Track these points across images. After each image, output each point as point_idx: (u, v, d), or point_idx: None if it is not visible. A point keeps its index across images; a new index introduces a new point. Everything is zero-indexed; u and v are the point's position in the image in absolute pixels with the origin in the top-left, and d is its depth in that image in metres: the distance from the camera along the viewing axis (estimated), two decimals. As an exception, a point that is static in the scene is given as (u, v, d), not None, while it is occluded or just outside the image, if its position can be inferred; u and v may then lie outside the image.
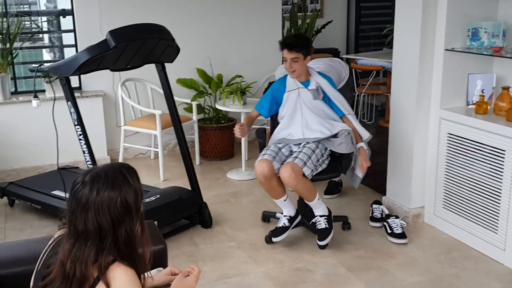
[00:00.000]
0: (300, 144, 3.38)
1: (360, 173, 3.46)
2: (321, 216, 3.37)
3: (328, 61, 4.02)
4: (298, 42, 3.34)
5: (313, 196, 3.33)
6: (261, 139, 3.63)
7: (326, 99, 3.45)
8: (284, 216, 3.42)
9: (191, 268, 1.91)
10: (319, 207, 3.38)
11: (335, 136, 3.36)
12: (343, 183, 4.23)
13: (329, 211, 3.42)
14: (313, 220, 3.40)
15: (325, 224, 3.35)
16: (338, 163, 3.47)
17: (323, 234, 3.33)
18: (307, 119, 3.41)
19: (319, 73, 3.51)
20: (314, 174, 3.27)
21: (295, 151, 3.33)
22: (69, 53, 5.09)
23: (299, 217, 3.48)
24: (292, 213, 3.43)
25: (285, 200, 3.39)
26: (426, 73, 3.47)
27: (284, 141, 3.44)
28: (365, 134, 3.47)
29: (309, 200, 3.34)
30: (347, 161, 3.46)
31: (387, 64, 5.73)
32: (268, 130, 3.71)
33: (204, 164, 5.04)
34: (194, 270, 1.89)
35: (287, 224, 3.39)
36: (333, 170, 3.47)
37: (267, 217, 3.79)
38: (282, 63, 3.52)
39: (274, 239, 3.37)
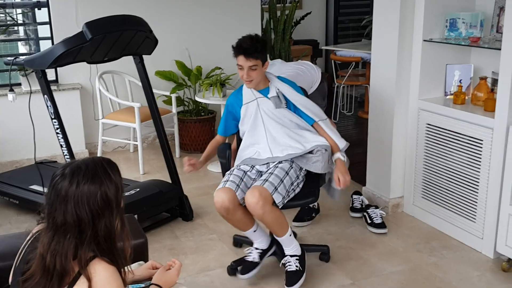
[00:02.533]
0: (268, 163, 2.91)
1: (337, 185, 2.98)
2: (292, 256, 2.87)
3: (296, 65, 3.59)
4: (257, 47, 2.79)
5: (284, 230, 2.82)
6: (223, 159, 3.05)
7: (291, 107, 2.95)
8: (256, 249, 2.94)
9: (172, 262, 1.90)
10: (290, 245, 2.88)
11: (310, 152, 2.89)
12: (320, 209, 3.74)
13: (303, 250, 2.92)
14: (283, 261, 2.89)
15: (296, 266, 2.85)
16: (315, 185, 2.95)
17: (292, 278, 2.83)
18: (272, 133, 2.91)
19: (279, 77, 3.01)
20: (286, 201, 2.78)
21: (265, 172, 2.87)
22: (45, 45, 5.00)
23: (274, 248, 2.99)
24: (265, 245, 2.95)
25: (254, 231, 2.90)
26: (405, 64, 3.49)
27: (251, 161, 2.93)
28: (342, 143, 2.98)
29: (279, 234, 2.83)
30: (323, 182, 3.02)
31: (366, 55, 5.76)
32: (233, 146, 3.16)
33: (184, 156, 5.00)
34: (176, 264, 1.89)
35: (257, 259, 2.91)
36: (308, 194, 2.91)
37: (239, 242, 3.28)
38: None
39: (241, 276, 2.90)
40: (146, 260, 2.13)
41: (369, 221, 3.52)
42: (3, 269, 1.71)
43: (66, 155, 3.34)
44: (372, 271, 3.04)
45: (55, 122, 3.30)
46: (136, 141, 4.61)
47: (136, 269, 1.91)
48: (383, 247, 3.30)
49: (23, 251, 1.63)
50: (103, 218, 1.51)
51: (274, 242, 2.97)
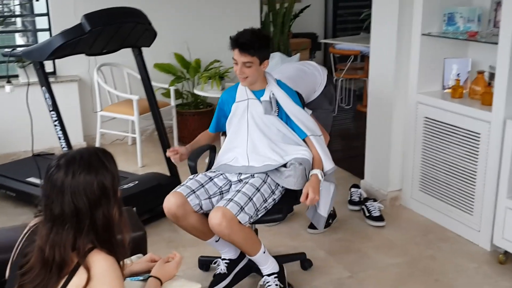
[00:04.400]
0: (241, 174, 2.66)
1: (323, 211, 2.77)
2: (269, 275, 2.62)
3: (300, 65, 3.32)
4: (255, 43, 2.55)
5: (256, 249, 2.56)
6: (192, 162, 2.77)
7: (283, 116, 2.70)
8: (223, 260, 2.75)
9: (173, 254, 1.90)
10: (266, 263, 2.62)
11: (285, 165, 2.62)
12: (336, 215, 3.55)
13: (280, 265, 2.68)
14: (261, 283, 2.66)
15: (276, 285, 2.62)
16: (288, 202, 2.69)
17: None
18: (254, 140, 2.69)
19: (279, 82, 2.75)
20: (254, 220, 2.53)
21: (233, 188, 2.62)
22: (42, 37, 4.98)
23: (245, 261, 2.77)
24: (233, 255, 2.74)
25: (217, 241, 2.68)
26: (403, 58, 3.49)
27: (225, 168, 2.70)
28: (329, 164, 2.69)
29: (251, 254, 2.57)
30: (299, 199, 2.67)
31: (365, 49, 5.74)
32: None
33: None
34: (176, 256, 1.89)
35: (224, 270, 2.72)
36: (277, 211, 2.63)
37: (204, 263, 2.99)
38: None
39: None
40: (145, 253, 2.13)
41: (367, 214, 3.53)
42: (0, 262, 1.70)
43: (64, 147, 3.34)
44: (370, 263, 3.05)
45: (53, 114, 3.30)
46: (135, 133, 4.61)
47: (135, 262, 1.92)
48: (381, 240, 3.31)
49: (21, 244, 1.63)
50: (100, 207, 1.51)
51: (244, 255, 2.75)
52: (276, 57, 3.60)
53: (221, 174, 2.70)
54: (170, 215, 2.55)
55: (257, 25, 5.54)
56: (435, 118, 3.38)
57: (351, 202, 3.73)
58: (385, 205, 3.69)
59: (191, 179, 2.65)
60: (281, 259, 2.74)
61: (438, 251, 3.17)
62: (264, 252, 2.60)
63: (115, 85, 4.86)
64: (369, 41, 3.74)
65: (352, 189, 3.80)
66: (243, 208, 2.45)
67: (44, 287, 1.46)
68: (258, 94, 2.71)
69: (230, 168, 2.70)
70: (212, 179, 2.67)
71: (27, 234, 1.63)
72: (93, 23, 3.04)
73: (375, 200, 3.61)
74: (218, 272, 2.76)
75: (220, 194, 2.65)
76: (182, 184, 2.64)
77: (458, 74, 3.41)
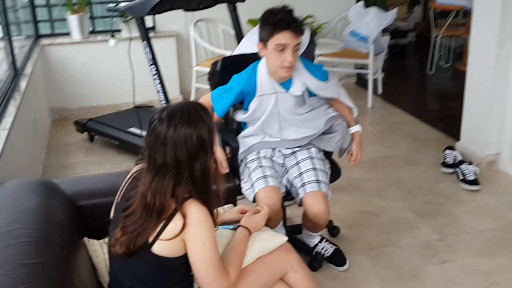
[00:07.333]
0: (293, 147, 2.45)
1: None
2: (320, 242, 2.64)
3: None
4: (300, 19, 2.26)
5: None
6: (235, 143, 2.48)
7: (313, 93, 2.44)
8: None
9: (260, 207, 1.97)
10: (316, 235, 2.64)
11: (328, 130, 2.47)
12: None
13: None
14: (317, 250, 2.62)
15: (332, 246, 2.64)
16: (330, 160, 2.63)
17: (339, 257, 2.63)
18: (287, 123, 2.44)
19: (303, 60, 2.42)
20: None
21: (290, 162, 2.44)
22: (143, -7, 5.14)
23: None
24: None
25: (281, 224, 2.53)
26: (510, 13, 3.26)
27: (265, 145, 2.46)
28: (355, 110, 2.53)
29: (319, 230, 2.58)
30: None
31: (467, 4, 5.44)
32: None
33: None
34: (264, 209, 1.96)
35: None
36: (333, 172, 2.55)
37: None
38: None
39: None
40: (235, 204, 2.22)
41: (461, 177, 3.41)
42: (105, 204, 1.83)
43: (162, 100, 3.48)
44: (461, 227, 2.98)
45: (152, 68, 3.43)
46: (228, 88, 4.69)
47: (227, 211, 2.01)
48: (474, 204, 3.21)
49: (124, 189, 1.75)
50: (199, 159, 1.59)
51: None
52: (371, 13, 3.48)
53: (274, 150, 2.47)
54: (273, 212, 2.19)
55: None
56: (543, 79, 3.16)
57: (445, 164, 3.62)
58: (481, 168, 3.55)
59: (261, 166, 2.38)
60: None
61: (537, 219, 3.03)
62: None
63: (210, 40, 4.95)
64: (473, -5, 3.53)
65: (447, 151, 3.68)
66: (328, 186, 2.38)
67: (144, 229, 1.58)
68: (285, 85, 2.37)
69: (270, 144, 2.46)
70: (273, 160, 2.46)
71: (130, 180, 1.75)
72: (191, -22, 3.10)
73: (470, 163, 3.48)
74: None
75: (286, 172, 2.46)
76: (262, 175, 2.34)
77: None
